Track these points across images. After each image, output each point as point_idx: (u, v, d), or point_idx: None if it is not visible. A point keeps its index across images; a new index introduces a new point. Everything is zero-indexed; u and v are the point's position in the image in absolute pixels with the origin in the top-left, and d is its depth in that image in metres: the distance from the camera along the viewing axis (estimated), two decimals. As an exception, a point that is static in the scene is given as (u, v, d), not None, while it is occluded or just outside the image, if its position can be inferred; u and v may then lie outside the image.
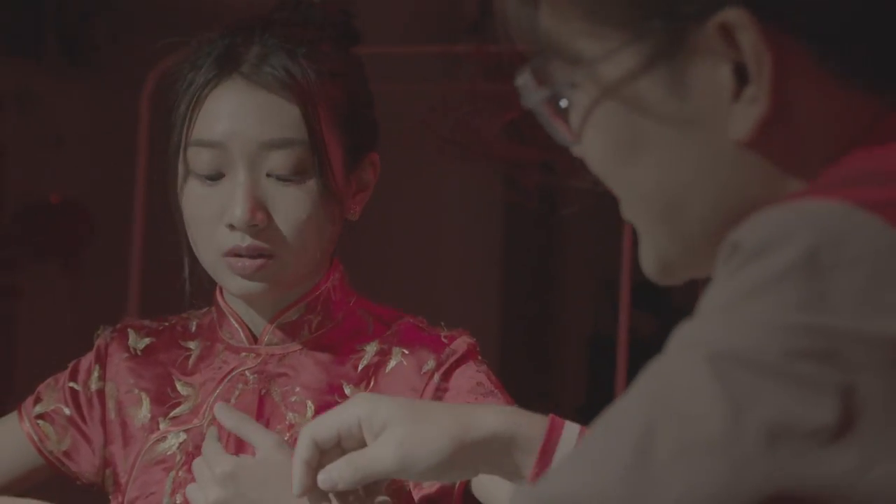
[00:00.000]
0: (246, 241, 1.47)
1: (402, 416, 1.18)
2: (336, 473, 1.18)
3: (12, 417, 1.63)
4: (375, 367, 1.54)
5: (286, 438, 1.50)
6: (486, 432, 1.17)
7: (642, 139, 0.83)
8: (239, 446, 1.47)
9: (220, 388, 1.56)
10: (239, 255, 1.48)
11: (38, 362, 1.65)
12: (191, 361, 1.59)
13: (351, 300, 1.59)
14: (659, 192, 0.83)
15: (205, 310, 1.63)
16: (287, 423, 1.53)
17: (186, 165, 1.51)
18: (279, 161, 1.47)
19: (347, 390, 1.53)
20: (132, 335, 1.62)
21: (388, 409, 1.18)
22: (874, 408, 0.69)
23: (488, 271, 4.70)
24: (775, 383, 0.70)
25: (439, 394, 1.50)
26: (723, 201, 0.82)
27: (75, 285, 4.41)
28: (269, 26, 1.52)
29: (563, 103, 0.86)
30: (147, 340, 1.62)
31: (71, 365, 1.63)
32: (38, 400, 1.63)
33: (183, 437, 1.54)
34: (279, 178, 1.48)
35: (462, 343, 1.54)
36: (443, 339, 1.55)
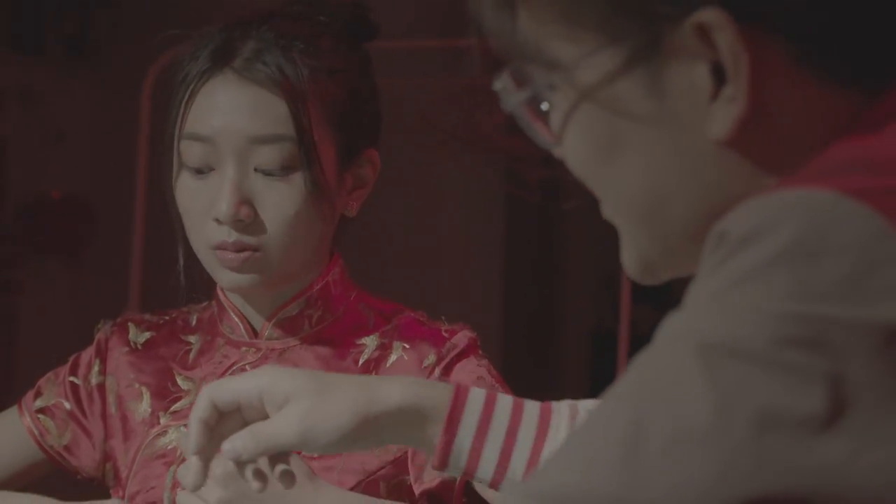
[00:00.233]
0: (232, 237, 1.48)
1: (305, 390, 1.18)
2: (240, 444, 1.19)
3: (13, 412, 1.63)
4: (376, 362, 1.54)
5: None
6: (390, 405, 1.18)
7: (621, 140, 0.83)
8: None
9: (221, 382, 1.56)
10: (226, 249, 1.48)
11: (39, 357, 1.65)
12: (191, 356, 1.59)
13: (351, 294, 1.59)
14: (639, 193, 0.83)
15: (205, 304, 1.63)
16: (288, 417, 1.53)
17: (179, 158, 1.51)
18: (267, 156, 1.47)
19: (348, 384, 1.53)
20: (132, 329, 1.62)
21: (292, 382, 1.19)
22: (864, 395, 0.70)
23: (490, 265, 4.70)
24: (764, 372, 0.70)
25: (440, 388, 1.50)
26: (703, 201, 0.82)
27: (76, 281, 4.41)
28: (268, 20, 1.52)
29: (543, 106, 0.86)
30: (147, 334, 1.62)
31: (71, 359, 1.63)
32: (38, 394, 1.63)
33: (184, 431, 1.54)
34: (267, 174, 1.48)
35: (463, 337, 1.54)
36: (443, 334, 1.55)
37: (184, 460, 1.52)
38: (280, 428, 1.17)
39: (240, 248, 1.48)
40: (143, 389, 1.59)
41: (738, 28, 0.78)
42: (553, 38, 0.83)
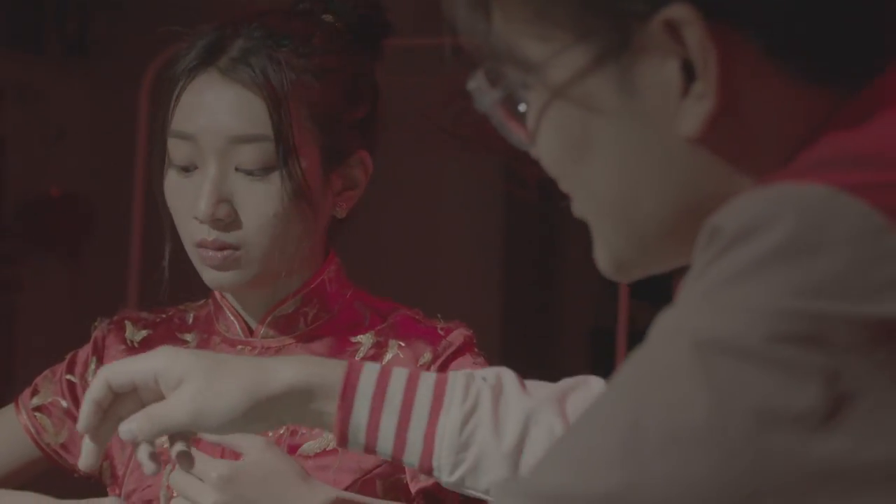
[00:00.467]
0: (212, 235, 1.48)
1: (197, 371, 1.20)
2: (135, 425, 1.20)
3: (9, 409, 1.63)
4: (372, 360, 1.53)
5: (281, 433, 1.51)
6: (281, 385, 1.19)
7: (593, 138, 0.83)
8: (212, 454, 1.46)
9: (218, 380, 1.56)
10: (206, 247, 1.48)
11: (38, 355, 1.65)
12: (188, 354, 1.59)
13: (347, 292, 1.59)
14: (611, 191, 0.83)
15: (202, 302, 1.63)
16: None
17: (167, 155, 1.52)
18: (247, 156, 1.47)
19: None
20: (129, 327, 1.62)
21: (185, 364, 1.20)
22: (861, 390, 0.69)
23: (489, 263, 4.70)
24: (760, 369, 0.70)
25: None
26: (675, 198, 0.82)
27: (76, 278, 4.41)
28: (261, 17, 1.51)
29: (517, 105, 0.86)
30: (144, 333, 1.62)
31: (68, 357, 1.63)
32: (35, 392, 1.63)
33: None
34: (247, 173, 1.48)
35: (458, 335, 1.54)
36: (439, 332, 1.55)
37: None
38: (173, 408, 1.19)
39: (220, 247, 1.48)
40: (140, 387, 1.59)
41: (706, 24, 0.78)
42: (525, 36, 0.83)
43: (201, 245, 1.49)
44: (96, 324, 1.64)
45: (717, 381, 0.70)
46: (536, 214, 4.82)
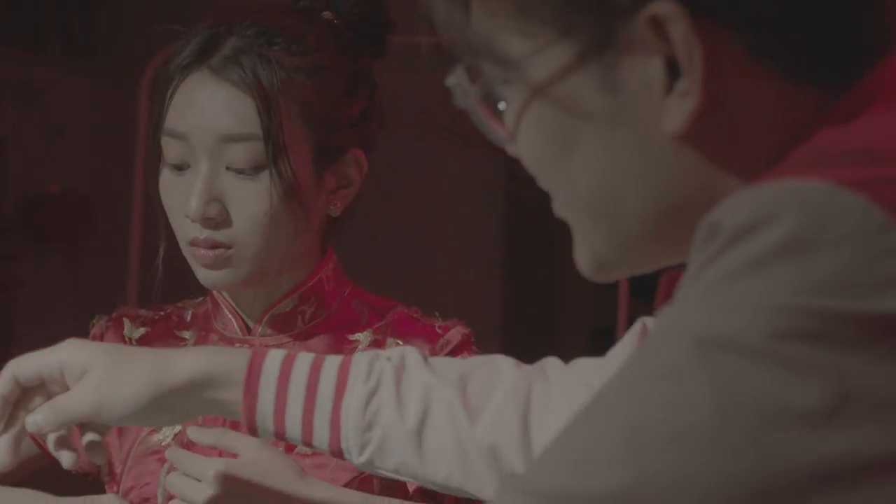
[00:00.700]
0: (203, 233, 1.48)
1: (101, 362, 1.21)
2: (41, 417, 1.21)
3: (8, 407, 1.63)
4: (370, 358, 1.53)
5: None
6: (183, 375, 1.20)
7: (575, 137, 0.82)
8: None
9: (216, 378, 1.55)
10: (199, 246, 1.48)
11: (38, 350, 1.65)
12: (186, 352, 1.59)
13: (345, 290, 1.59)
14: (593, 190, 0.82)
15: (200, 299, 1.63)
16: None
17: (161, 154, 1.52)
18: (237, 155, 1.47)
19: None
20: (127, 325, 1.62)
21: (90, 355, 1.21)
22: (865, 388, 0.69)
23: (489, 262, 4.70)
24: (763, 367, 0.69)
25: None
26: (658, 197, 0.81)
27: (75, 275, 4.41)
28: (255, 15, 1.51)
29: (496, 102, 0.85)
30: (142, 330, 1.62)
31: (67, 354, 1.63)
32: (33, 389, 1.62)
33: (178, 427, 1.53)
34: (238, 172, 1.48)
35: (456, 333, 1.54)
36: (437, 330, 1.54)
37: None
38: (76, 399, 1.20)
39: (211, 246, 1.48)
40: (138, 385, 1.58)
41: (692, 20, 0.77)
42: (506, 32, 0.82)
43: (194, 243, 1.49)
44: (94, 321, 1.64)
45: (718, 379, 0.70)
46: (536, 213, 4.81)
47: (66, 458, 1.24)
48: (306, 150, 1.50)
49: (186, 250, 1.52)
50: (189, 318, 1.62)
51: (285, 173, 1.47)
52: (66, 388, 1.22)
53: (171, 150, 1.50)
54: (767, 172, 0.77)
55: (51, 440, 1.24)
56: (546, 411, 1.19)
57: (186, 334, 1.61)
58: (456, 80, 0.86)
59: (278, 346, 1.55)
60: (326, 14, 1.55)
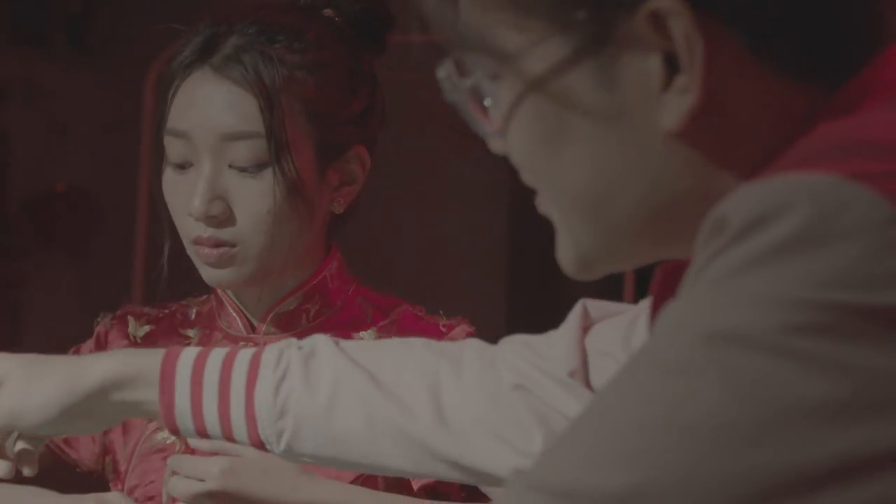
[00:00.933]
0: (207, 232, 1.48)
1: (16, 373, 1.21)
2: None
3: (13, 405, 1.63)
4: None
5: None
6: (96, 380, 1.19)
7: (568, 132, 0.81)
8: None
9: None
10: (202, 244, 1.48)
11: (43, 350, 1.65)
12: (190, 350, 1.59)
13: (349, 288, 1.59)
14: (585, 187, 0.81)
15: (204, 297, 1.63)
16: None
17: (164, 153, 1.52)
18: (239, 153, 1.47)
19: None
20: (132, 322, 1.62)
21: (5, 366, 1.22)
22: (876, 381, 0.69)
23: (493, 260, 4.70)
24: (774, 361, 0.69)
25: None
26: (651, 195, 0.80)
27: (80, 273, 4.41)
28: (256, 13, 1.51)
29: (487, 95, 0.84)
30: (147, 328, 1.62)
31: (71, 351, 1.63)
32: (38, 387, 1.62)
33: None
34: (240, 170, 1.48)
35: (461, 332, 1.54)
36: (441, 328, 1.54)
37: (182, 454, 1.52)
38: None
39: (215, 244, 1.48)
40: (143, 383, 1.58)
41: (693, 16, 0.77)
42: (499, 25, 0.81)
43: (197, 242, 1.49)
44: (99, 319, 1.64)
45: (728, 374, 0.69)
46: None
47: (2, 470, 1.23)
48: (309, 148, 1.50)
49: (190, 249, 1.52)
50: (193, 316, 1.63)
51: (288, 171, 1.47)
52: None
53: (174, 148, 1.50)
54: (767, 168, 0.76)
55: None
56: (456, 389, 1.18)
57: (191, 332, 1.61)
58: (445, 73, 0.84)
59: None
60: (327, 11, 1.55)
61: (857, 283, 0.69)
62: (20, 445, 1.24)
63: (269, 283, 1.54)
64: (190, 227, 1.50)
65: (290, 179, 1.47)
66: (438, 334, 1.54)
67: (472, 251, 4.73)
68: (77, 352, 1.63)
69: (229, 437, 1.20)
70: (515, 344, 1.21)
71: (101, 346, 1.61)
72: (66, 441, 1.61)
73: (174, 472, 1.43)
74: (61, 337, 1.71)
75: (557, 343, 1.18)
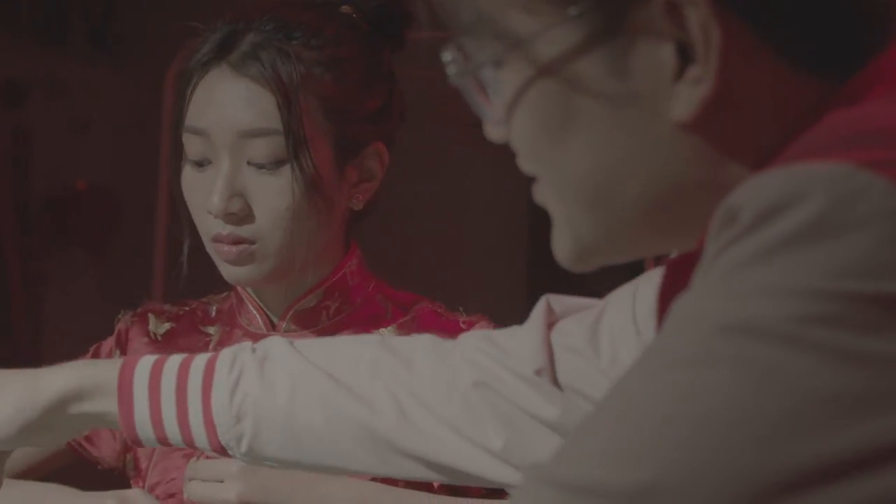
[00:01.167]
0: (226, 229, 1.48)
1: None
2: None
3: (34, 402, 1.63)
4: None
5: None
6: (54, 394, 1.19)
7: (576, 120, 0.80)
8: None
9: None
10: (222, 242, 1.48)
11: (65, 347, 1.65)
12: (210, 347, 1.59)
13: (369, 285, 1.59)
14: (590, 175, 0.80)
15: (224, 294, 1.63)
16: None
17: (182, 150, 1.52)
18: (257, 150, 1.47)
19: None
20: (152, 320, 1.62)
21: None
22: (893, 370, 0.68)
23: (513, 256, 4.69)
24: (791, 351, 0.68)
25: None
26: (656, 184, 0.80)
27: (101, 271, 4.42)
28: (274, 10, 1.51)
29: (492, 80, 0.82)
30: (167, 325, 1.62)
31: (92, 349, 1.64)
32: (59, 385, 1.63)
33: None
34: (259, 167, 1.48)
35: (481, 328, 1.53)
36: (461, 325, 1.54)
37: (203, 452, 1.52)
38: None
39: (235, 241, 1.48)
40: (163, 380, 1.59)
41: (710, 5, 0.76)
42: (511, 8, 0.80)
43: (217, 239, 1.49)
44: (120, 316, 1.64)
45: (744, 366, 0.69)
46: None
47: None
48: (327, 144, 1.50)
49: (210, 247, 1.52)
50: (214, 313, 1.63)
51: (306, 167, 1.47)
52: None
53: (193, 146, 1.51)
54: (774, 159, 0.76)
55: None
56: (411, 386, 1.17)
57: (211, 329, 1.61)
58: (450, 56, 0.83)
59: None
60: (345, 8, 1.55)
61: (873, 272, 0.69)
62: None
63: (289, 281, 1.54)
64: (209, 225, 1.50)
65: (309, 176, 1.47)
66: (458, 331, 1.53)
67: (492, 247, 4.72)
68: (98, 349, 1.63)
69: (190, 444, 1.19)
70: (478, 340, 1.20)
71: (122, 343, 1.62)
72: (87, 438, 1.61)
73: (192, 479, 1.43)
74: (82, 334, 1.72)
75: (523, 340, 1.17)
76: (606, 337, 1.13)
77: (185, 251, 1.57)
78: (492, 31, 0.81)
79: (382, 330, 1.56)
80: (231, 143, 1.48)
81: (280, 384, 1.18)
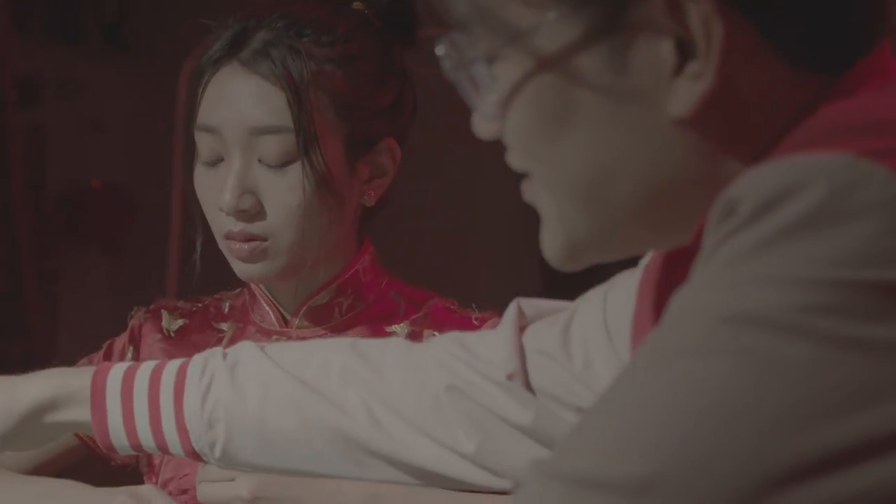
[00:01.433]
0: (238, 227, 1.49)
1: None
2: None
3: (48, 398, 1.64)
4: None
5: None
6: (29, 401, 1.19)
7: (573, 114, 0.80)
8: None
9: (254, 369, 1.56)
10: (234, 239, 1.49)
11: (79, 345, 1.66)
12: (224, 343, 1.60)
13: (382, 282, 1.59)
14: (584, 170, 0.80)
15: (237, 291, 1.64)
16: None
17: (195, 148, 1.52)
18: (268, 147, 1.48)
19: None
20: (165, 316, 1.63)
21: None
22: (895, 359, 0.68)
23: (526, 254, 4.69)
24: (795, 342, 0.68)
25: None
26: (652, 180, 0.80)
27: (116, 269, 4.43)
28: (285, 7, 1.51)
29: (486, 76, 0.82)
30: (180, 322, 1.62)
31: (105, 345, 1.64)
32: (73, 381, 1.63)
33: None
34: (269, 164, 1.48)
35: (493, 325, 1.53)
36: (474, 321, 1.54)
37: None
38: None
39: (246, 238, 1.49)
40: (177, 377, 1.59)
41: (711, 1, 0.76)
42: (511, 1, 0.80)
43: (229, 237, 1.50)
44: (133, 313, 1.65)
45: (746, 356, 0.69)
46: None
47: None
48: (338, 141, 1.50)
49: (222, 244, 1.52)
50: (227, 309, 1.63)
51: (317, 164, 1.47)
52: None
53: (204, 144, 1.51)
54: (770, 153, 0.76)
55: None
56: (380, 391, 1.16)
57: (224, 326, 1.62)
58: (445, 50, 0.83)
59: (315, 337, 1.56)
60: (356, 4, 1.55)
61: (874, 261, 0.69)
62: None
63: (302, 277, 1.54)
64: (221, 222, 1.50)
65: (319, 173, 1.48)
66: (471, 328, 1.53)
67: (506, 244, 4.72)
68: (111, 346, 1.63)
69: (164, 450, 1.19)
70: (449, 344, 1.19)
71: (135, 340, 1.62)
72: (100, 435, 1.61)
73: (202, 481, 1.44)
74: (96, 331, 1.72)
75: (495, 344, 1.16)
76: (578, 340, 1.13)
77: (198, 248, 1.58)
78: (491, 24, 0.81)
79: (395, 327, 1.56)
80: (242, 141, 1.48)
81: (251, 389, 1.17)
